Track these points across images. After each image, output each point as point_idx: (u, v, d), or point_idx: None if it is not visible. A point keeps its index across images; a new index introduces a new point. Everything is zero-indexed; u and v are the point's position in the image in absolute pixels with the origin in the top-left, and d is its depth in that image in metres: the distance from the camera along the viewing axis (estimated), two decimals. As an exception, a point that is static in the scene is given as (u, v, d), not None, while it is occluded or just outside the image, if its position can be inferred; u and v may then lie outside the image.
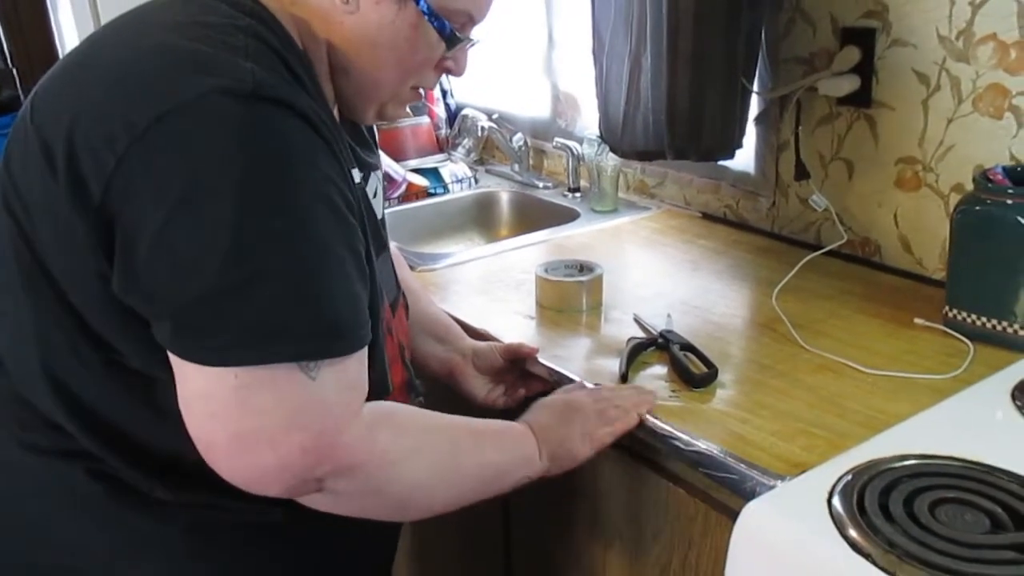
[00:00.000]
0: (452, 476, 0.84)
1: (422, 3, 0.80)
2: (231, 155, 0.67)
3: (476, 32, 0.88)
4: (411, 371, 1.01)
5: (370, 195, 0.94)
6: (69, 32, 3.00)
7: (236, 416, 0.69)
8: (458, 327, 1.19)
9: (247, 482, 0.73)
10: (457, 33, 0.84)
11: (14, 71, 3.16)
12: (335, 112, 0.89)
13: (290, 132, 0.70)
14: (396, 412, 0.84)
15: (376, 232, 0.91)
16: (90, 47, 0.79)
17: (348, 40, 0.81)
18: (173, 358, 0.71)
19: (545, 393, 1.12)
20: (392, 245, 1.08)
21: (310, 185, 0.70)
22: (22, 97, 3.33)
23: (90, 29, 2.72)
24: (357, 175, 0.86)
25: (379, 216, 0.98)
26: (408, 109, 2.09)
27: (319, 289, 0.70)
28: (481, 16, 0.87)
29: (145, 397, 0.77)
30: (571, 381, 1.06)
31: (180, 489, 0.79)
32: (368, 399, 0.77)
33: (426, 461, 0.82)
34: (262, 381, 0.69)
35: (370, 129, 1.03)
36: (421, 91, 0.91)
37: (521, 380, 1.13)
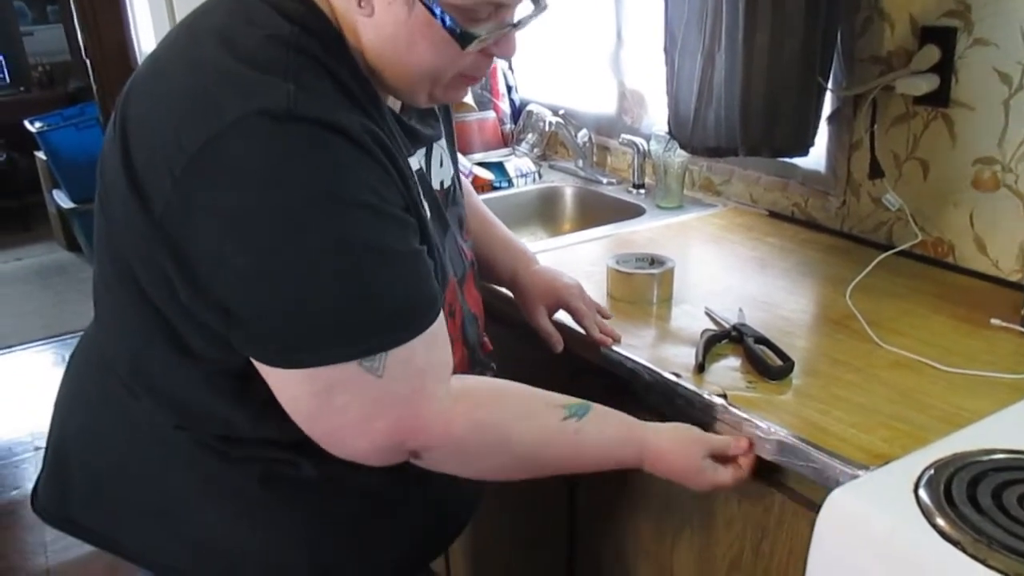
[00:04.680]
0: (542, 451, 0.90)
1: (435, 6, 0.77)
2: (269, 175, 0.72)
3: (519, 11, 0.83)
4: (475, 350, 1.04)
5: (434, 165, 0.97)
6: (144, 26, 3.08)
7: (324, 416, 0.79)
8: (532, 252, 1.24)
9: (358, 460, 0.82)
10: (471, 30, 0.79)
11: (88, 63, 3.26)
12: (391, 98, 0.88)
13: (325, 148, 0.74)
14: (479, 387, 0.90)
15: (439, 213, 0.95)
16: (162, 53, 0.84)
17: (371, 40, 0.81)
18: (259, 364, 0.79)
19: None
20: (466, 183, 1.10)
21: (348, 194, 0.74)
22: (94, 88, 3.44)
23: (165, 23, 2.79)
24: (415, 162, 0.90)
25: (447, 185, 1.01)
26: (474, 103, 2.12)
27: (363, 289, 0.75)
28: None
29: (217, 384, 0.84)
30: (647, 371, 1.07)
31: (248, 448, 0.87)
32: None
33: (518, 431, 0.88)
34: (335, 383, 0.77)
35: None
36: (475, 76, 0.87)
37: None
